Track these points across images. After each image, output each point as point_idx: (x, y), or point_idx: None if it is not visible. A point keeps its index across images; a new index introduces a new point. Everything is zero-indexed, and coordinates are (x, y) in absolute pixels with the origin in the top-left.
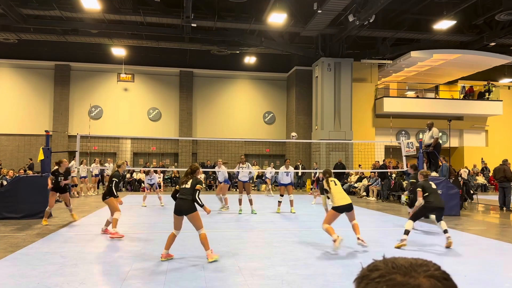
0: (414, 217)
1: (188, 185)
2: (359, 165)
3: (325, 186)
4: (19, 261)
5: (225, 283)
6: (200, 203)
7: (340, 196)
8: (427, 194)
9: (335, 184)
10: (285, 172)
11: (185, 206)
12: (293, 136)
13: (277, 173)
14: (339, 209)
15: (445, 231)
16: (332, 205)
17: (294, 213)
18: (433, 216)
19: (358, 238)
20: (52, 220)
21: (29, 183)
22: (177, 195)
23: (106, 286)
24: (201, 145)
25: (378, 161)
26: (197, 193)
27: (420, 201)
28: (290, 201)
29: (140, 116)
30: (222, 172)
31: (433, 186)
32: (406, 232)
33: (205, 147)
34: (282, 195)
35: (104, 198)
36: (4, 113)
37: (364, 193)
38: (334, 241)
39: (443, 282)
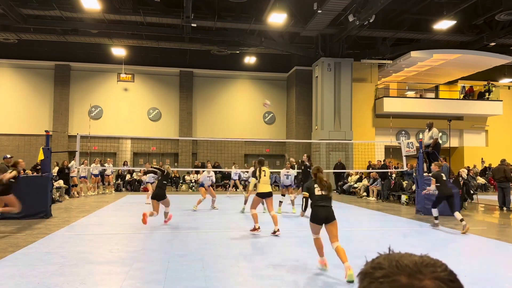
0: (434, 205)
1: (324, 191)
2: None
3: (257, 174)
4: (19, 261)
5: (225, 283)
6: None
7: (262, 185)
8: (438, 184)
9: (264, 175)
10: (285, 174)
11: (330, 214)
12: (266, 105)
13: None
14: (261, 195)
15: (461, 220)
16: (256, 192)
17: (295, 213)
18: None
19: (277, 231)
20: (52, 220)
21: (29, 183)
22: (310, 203)
23: (106, 286)
24: (201, 145)
25: (380, 161)
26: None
27: (433, 187)
28: (291, 201)
29: (140, 116)
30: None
31: (444, 177)
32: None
33: (205, 147)
34: (283, 195)
35: (160, 199)
36: (4, 113)
37: (364, 193)
38: (255, 229)
39: (449, 285)
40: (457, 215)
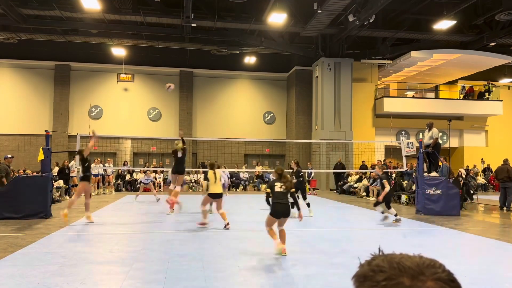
0: (388, 204)
1: (283, 189)
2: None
3: (208, 176)
4: (19, 261)
5: (225, 283)
6: (298, 205)
7: (213, 187)
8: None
9: (215, 177)
10: None
11: (287, 209)
12: (169, 87)
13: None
14: (211, 196)
15: (382, 215)
16: (208, 192)
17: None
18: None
19: (227, 224)
20: (52, 220)
21: (29, 183)
22: (270, 199)
23: (106, 286)
24: (201, 145)
25: (380, 161)
26: (295, 195)
27: (388, 188)
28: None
29: (140, 116)
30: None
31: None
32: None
33: (205, 147)
34: None
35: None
36: (4, 113)
37: (364, 193)
38: (203, 223)
39: (451, 285)
40: (392, 210)
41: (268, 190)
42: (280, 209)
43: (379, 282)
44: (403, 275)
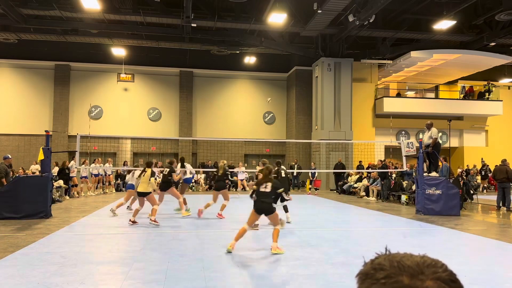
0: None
1: (268, 189)
2: (357, 168)
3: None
4: (19, 261)
5: (225, 283)
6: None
7: (141, 185)
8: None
9: (144, 175)
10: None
11: (268, 207)
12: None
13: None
14: (137, 193)
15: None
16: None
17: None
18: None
19: (150, 219)
20: (52, 220)
21: (29, 183)
22: (253, 195)
23: (106, 286)
24: (201, 145)
25: (381, 161)
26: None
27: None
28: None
29: (140, 116)
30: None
31: (283, 174)
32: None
33: (205, 147)
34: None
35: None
36: (4, 113)
37: (364, 193)
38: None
39: (451, 285)
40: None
41: (255, 187)
42: (261, 207)
43: (379, 279)
44: (403, 273)
